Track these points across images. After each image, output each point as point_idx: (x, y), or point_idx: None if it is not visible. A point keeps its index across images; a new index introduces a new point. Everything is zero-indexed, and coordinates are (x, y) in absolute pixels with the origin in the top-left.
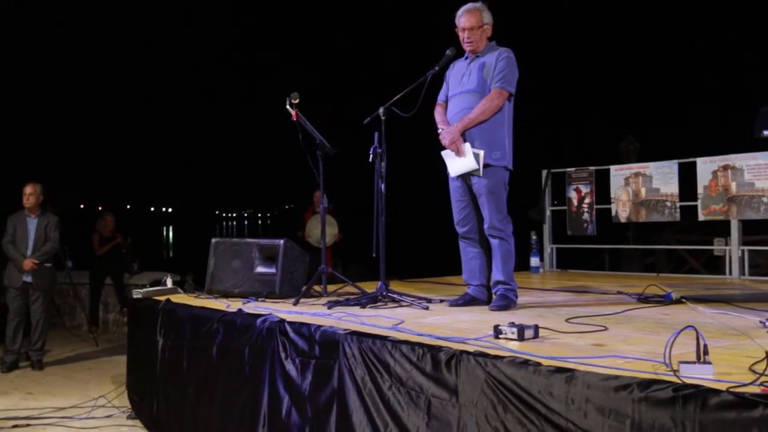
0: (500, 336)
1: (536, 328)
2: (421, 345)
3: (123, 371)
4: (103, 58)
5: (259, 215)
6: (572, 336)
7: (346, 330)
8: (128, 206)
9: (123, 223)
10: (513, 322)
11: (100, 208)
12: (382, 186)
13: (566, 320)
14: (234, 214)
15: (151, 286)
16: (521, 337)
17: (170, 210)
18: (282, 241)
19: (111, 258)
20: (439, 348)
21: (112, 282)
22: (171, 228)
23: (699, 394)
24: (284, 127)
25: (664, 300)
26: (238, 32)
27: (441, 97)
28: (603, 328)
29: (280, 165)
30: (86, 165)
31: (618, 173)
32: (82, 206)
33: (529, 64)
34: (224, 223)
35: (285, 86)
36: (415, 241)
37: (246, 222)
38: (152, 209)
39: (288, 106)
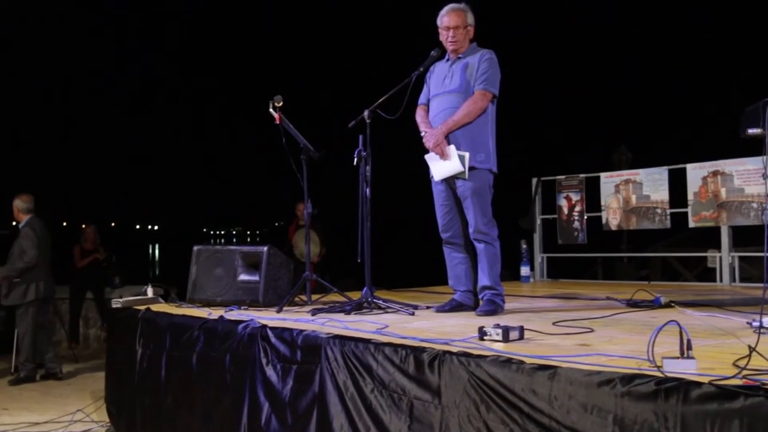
0: (485, 337)
1: (521, 329)
2: (404, 347)
3: (103, 386)
4: (88, 73)
5: (248, 232)
6: (558, 337)
7: (328, 334)
8: (113, 223)
9: (107, 240)
10: (498, 324)
11: (83, 226)
12: (367, 190)
13: (553, 323)
14: (222, 232)
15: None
16: (506, 339)
17: (156, 227)
18: (265, 248)
19: (92, 272)
20: (423, 349)
21: (93, 296)
22: (157, 245)
23: (681, 386)
24: (273, 144)
25: (653, 304)
26: (223, 43)
27: (422, 100)
28: (589, 330)
29: (269, 182)
30: (69, 181)
31: (608, 180)
32: (65, 223)
33: (520, 72)
34: (212, 241)
35: (271, 94)
36: (401, 248)
37: (234, 240)
38: (138, 227)
39: (271, 110)
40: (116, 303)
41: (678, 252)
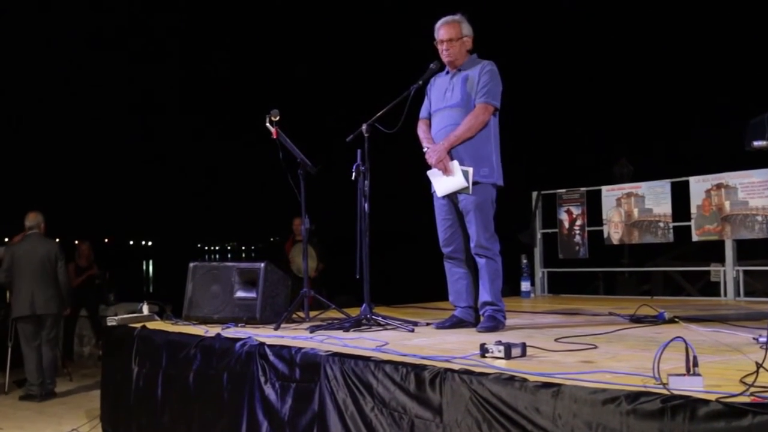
0: (486, 354)
1: (523, 346)
2: (405, 364)
3: (98, 405)
4: (83, 90)
5: (243, 248)
6: (560, 354)
7: (327, 352)
8: (106, 240)
9: (101, 256)
10: (500, 341)
11: (76, 242)
12: (366, 205)
13: (555, 340)
14: (217, 247)
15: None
16: (508, 356)
17: (150, 243)
18: (262, 265)
19: (86, 289)
20: (423, 367)
21: (88, 314)
22: (151, 262)
23: (688, 404)
24: (269, 158)
25: (657, 320)
26: (217, 57)
27: (423, 113)
28: (592, 347)
29: (264, 196)
30: (63, 197)
31: (610, 194)
32: (57, 239)
33: (521, 84)
34: (207, 256)
35: (267, 109)
36: (400, 264)
37: (229, 255)
38: (131, 243)
39: (268, 124)
40: (111, 321)
41: (680, 266)
